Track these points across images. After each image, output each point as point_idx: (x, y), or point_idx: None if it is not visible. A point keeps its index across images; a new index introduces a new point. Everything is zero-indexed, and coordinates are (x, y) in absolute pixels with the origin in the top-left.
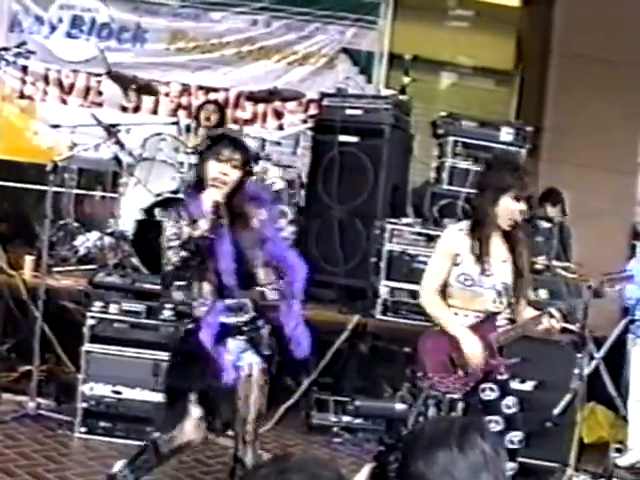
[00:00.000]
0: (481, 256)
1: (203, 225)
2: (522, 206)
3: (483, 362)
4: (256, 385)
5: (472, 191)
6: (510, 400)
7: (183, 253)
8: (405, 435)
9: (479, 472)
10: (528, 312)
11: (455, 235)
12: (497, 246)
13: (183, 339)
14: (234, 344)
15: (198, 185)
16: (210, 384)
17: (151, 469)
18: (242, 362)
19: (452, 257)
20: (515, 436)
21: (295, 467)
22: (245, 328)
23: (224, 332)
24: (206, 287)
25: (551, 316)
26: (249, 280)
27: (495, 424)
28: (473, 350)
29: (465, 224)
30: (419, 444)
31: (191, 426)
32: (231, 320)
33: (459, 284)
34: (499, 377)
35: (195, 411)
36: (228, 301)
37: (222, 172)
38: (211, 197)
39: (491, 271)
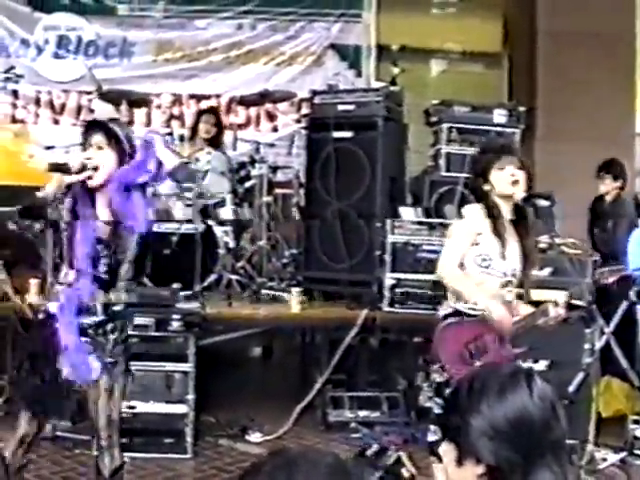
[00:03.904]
0: (499, 236)
1: (48, 187)
2: (511, 170)
3: (512, 325)
4: (103, 390)
5: (470, 176)
6: None
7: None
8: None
9: (522, 422)
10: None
11: (478, 213)
12: (508, 232)
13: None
14: (82, 346)
15: None
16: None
17: None
18: (89, 366)
19: (474, 236)
20: None
21: (297, 459)
22: (91, 331)
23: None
24: (72, 275)
25: (557, 305)
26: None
27: None
28: (503, 317)
29: (481, 205)
30: (469, 395)
31: (24, 420)
32: (82, 321)
33: (475, 266)
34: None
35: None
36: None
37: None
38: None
39: (506, 255)
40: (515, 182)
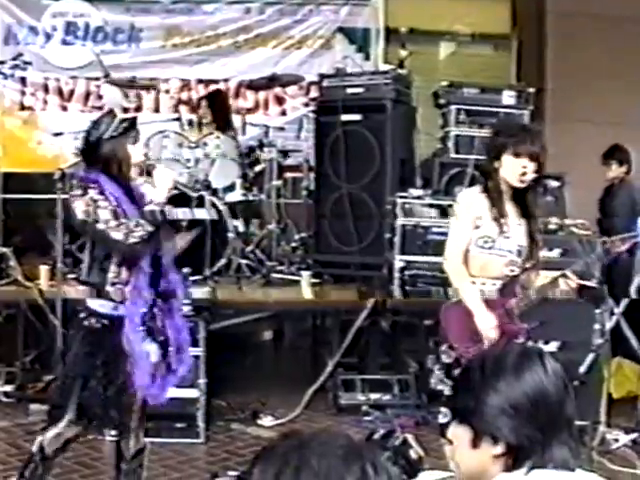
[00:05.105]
0: (499, 216)
1: (161, 197)
2: (524, 161)
3: (497, 335)
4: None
5: (480, 158)
6: None
7: (149, 227)
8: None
9: (540, 398)
10: (542, 276)
11: (474, 197)
12: (510, 210)
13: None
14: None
15: (110, 167)
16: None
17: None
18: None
19: (474, 220)
20: None
21: (310, 440)
22: (145, 318)
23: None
24: (124, 273)
25: (566, 277)
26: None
27: None
28: (486, 326)
29: (478, 187)
30: (482, 377)
31: (65, 423)
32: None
33: (479, 248)
34: (516, 341)
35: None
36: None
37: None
38: (171, 176)
39: (509, 233)
40: (523, 175)
